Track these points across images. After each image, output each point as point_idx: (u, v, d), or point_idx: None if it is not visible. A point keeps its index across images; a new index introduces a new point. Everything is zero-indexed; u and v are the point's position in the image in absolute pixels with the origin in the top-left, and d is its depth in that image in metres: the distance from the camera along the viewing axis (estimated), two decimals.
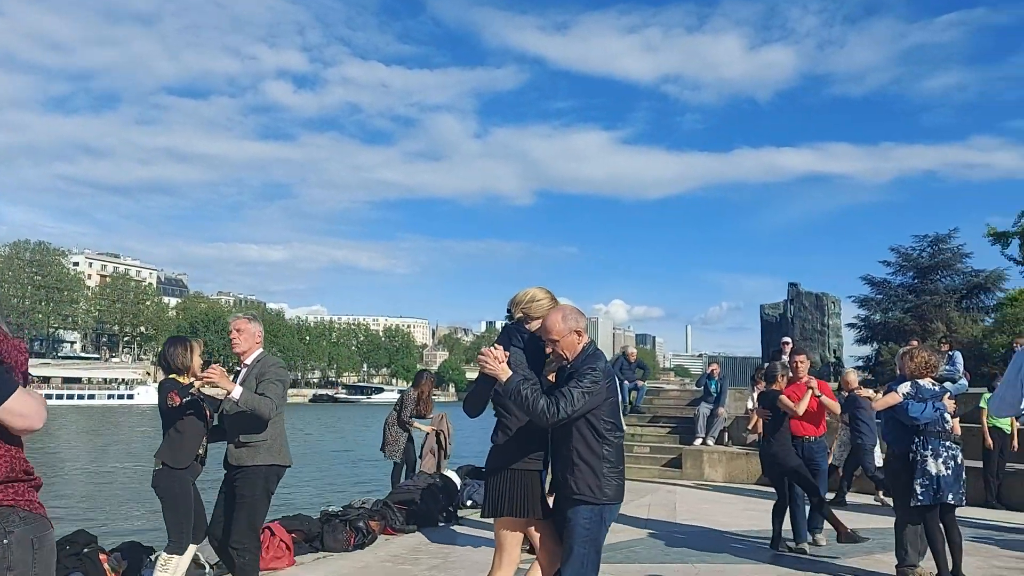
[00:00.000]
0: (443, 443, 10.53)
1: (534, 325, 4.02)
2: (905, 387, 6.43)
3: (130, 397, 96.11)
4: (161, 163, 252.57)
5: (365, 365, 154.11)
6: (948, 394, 6.62)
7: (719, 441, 14.56)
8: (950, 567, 6.14)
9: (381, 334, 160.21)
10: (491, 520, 4.01)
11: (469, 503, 10.14)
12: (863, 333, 37.56)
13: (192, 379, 5.21)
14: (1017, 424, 10.86)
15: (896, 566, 6.44)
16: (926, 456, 6.20)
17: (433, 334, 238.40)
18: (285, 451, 5.27)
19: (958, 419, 6.82)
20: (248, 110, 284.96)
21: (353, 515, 8.06)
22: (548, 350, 3.89)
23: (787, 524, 7.80)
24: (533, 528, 3.95)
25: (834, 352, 23.23)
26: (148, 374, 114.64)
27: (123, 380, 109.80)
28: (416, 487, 9.31)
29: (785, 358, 16.20)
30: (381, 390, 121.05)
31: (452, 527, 8.93)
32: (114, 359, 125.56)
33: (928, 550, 6.26)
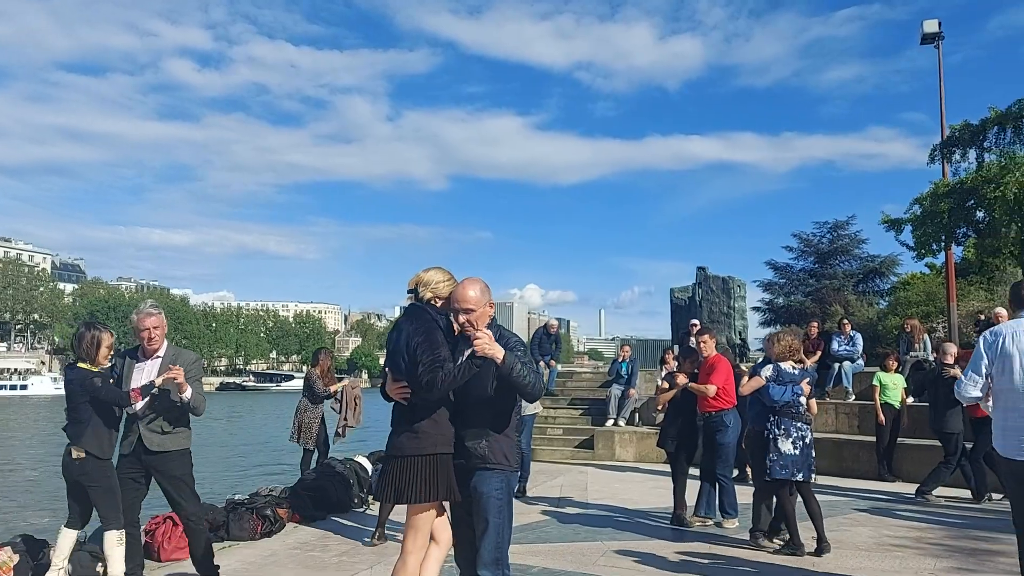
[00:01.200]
0: (355, 404, 10.38)
1: (445, 304, 3.99)
2: (768, 370, 6.89)
3: (23, 388, 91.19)
4: (56, 143, 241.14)
5: (275, 352, 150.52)
6: (807, 379, 7.07)
7: (630, 422, 14.83)
8: (815, 534, 6.68)
9: (291, 320, 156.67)
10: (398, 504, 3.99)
11: None
12: (767, 316, 38.91)
13: (159, 378, 5.23)
14: (908, 401, 11.42)
15: (749, 530, 7.08)
16: (779, 435, 6.66)
17: (345, 320, 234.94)
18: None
19: (815, 400, 7.31)
20: (148, 89, 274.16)
21: (260, 503, 7.88)
22: (462, 319, 3.82)
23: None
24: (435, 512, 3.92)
25: (739, 334, 23.96)
26: (43, 363, 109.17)
27: (15, 370, 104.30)
28: (326, 473, 9.14)
29: (693, 339, 16.74)
30: (291, 377, 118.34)
31: (363, 513, 8.81)
32: (5, 348, 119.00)
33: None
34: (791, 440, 6.65)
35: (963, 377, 4.70)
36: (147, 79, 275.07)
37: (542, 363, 16.26)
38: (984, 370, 4.56)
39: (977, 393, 4.60)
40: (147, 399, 5.21)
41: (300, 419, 10.48)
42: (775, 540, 6.96)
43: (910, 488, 9.92)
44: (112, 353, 5.42)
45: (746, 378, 7.21)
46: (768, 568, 6.29)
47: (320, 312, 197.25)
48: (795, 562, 6.43)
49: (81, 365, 5.24)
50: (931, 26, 26.10)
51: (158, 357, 5.38)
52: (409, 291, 4.09)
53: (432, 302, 4.01)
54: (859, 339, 14.29)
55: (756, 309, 39.21)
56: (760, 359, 7.45)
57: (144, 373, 5.32)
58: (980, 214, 25.30)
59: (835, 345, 13.87)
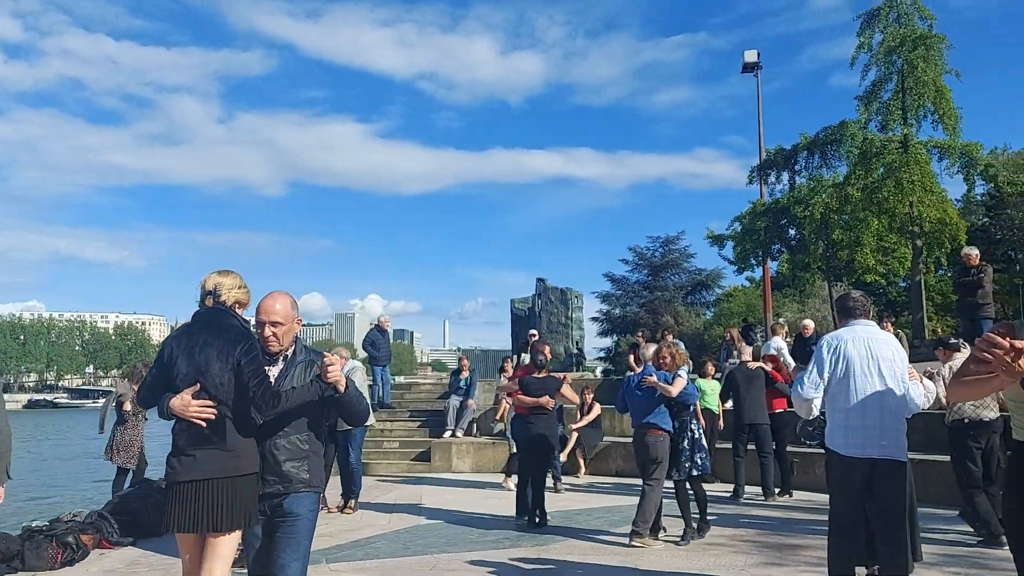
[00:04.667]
0: None
1: (245, 309, 3.83)
2: (684, 372, 7.55)
3: None
4: None
5: (91, 366, 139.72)
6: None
7: (468, 432, 14.80)
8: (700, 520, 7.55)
9: (111, 332, 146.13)
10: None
11: None
12: (604, 326, 40.35)
13: None
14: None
15: (633, 529, 7.33)
16: (695, 431, 7.58)
17: (172, 331, 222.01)
18: None
19: None
20: None
21: (61, 529, 7.20)
22: (268, 332, 3.67)
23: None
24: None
25: (577, 344, 24.61)
26: None
27: None
28: (139, 494, 8.50)
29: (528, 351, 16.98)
30: (110, 393, 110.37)
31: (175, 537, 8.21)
32: None
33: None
34: (700, 435, 7.63)
35: (803, 378, 4.94)
36: None
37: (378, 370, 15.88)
38: (826, 373, 4.82)
39: (817, 394, 4.85)
40: None
41: (120, 436, 9.78)
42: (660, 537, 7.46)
43: (726, 488, 10.46)
44: None
45: (680, 379, 7.55)
46: (592, 568, 6.39)
47: (144, 323, 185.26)
48: (618, 562, 6.58)
49: None
50: (751, 56, 28.15)
51: None
52: (207, 292, 3.77)
53: (234, 307, 3.77)
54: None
55: (594, 319, 40.61)
56: (642, 368, 7.82)
57: None
58: (792, 232, 27.50)
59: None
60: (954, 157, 22.65)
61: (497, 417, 13.82)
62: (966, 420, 7.13)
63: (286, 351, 3.78)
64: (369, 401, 3.87)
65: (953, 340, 7.94)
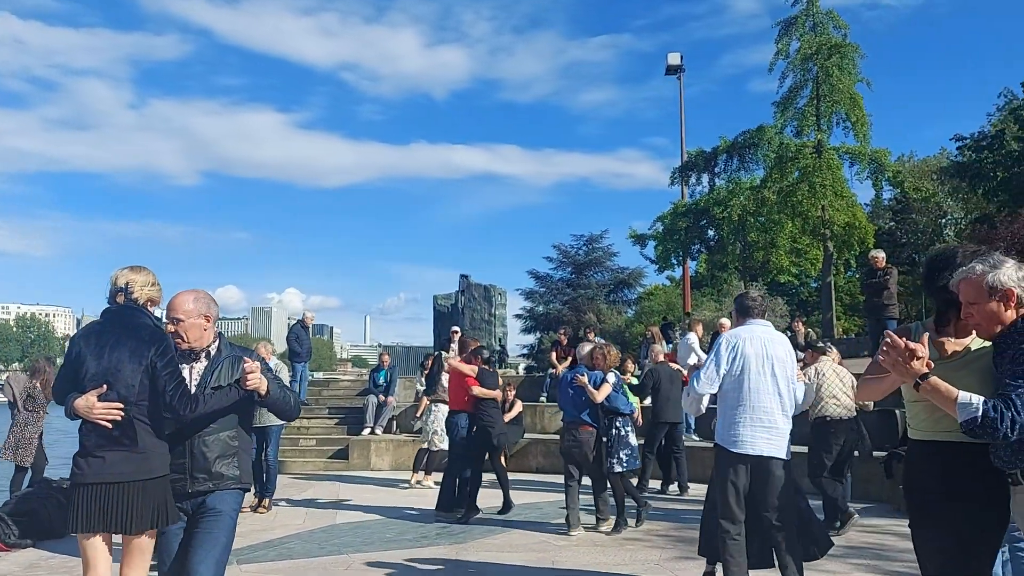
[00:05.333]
0: None
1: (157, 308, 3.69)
2: (612, 377, 7.82)
3: None
4: None
5: None
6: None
7: (387, 430, 14.64)
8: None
9: (12, 324, 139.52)
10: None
11: None
12: (528, 323, 40.49)
13: None
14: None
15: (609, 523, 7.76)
16: (629, 431, 7.90)
17: (78, 324, 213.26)
18: None
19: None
20: None
21: None
22: (171, 329, 3.58)
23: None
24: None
25: (500, 341, 24.68)
26: None
27: None
28: (39, 494, 8.08)
29: (454, 347, 16.88)
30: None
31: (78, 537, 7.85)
32: None
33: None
34: (633, 434, 7.97)
35: (700, 373, 5.03)
36: None
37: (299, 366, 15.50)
38: (723, 369, 4.90)
39: (712, 389, 4.94)
40: None
41: (16, 433, 9.33)
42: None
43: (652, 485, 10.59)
44: None
45: (607, 385, 7.78)
46: (509, 568, 6.38)
47: (48, 315, 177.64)
48: (535, 560, 6.59)
49: None
50: (674, 59, 28.65)
51: None
52: (119, 289, 3.62)
53: (146, 305, 3.62)
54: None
55: (518, 316, 40.68)
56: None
57: None
58: (711, 232, 28.21)
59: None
60: (864, 163, 23.63)
61: (418, 415, 13.68)
62: (828, 418, 7.59)
63: (208, 347, 3.69)
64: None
65: (820, 344, 8.55)
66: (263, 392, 3.59)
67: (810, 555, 5.08)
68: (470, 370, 8.73)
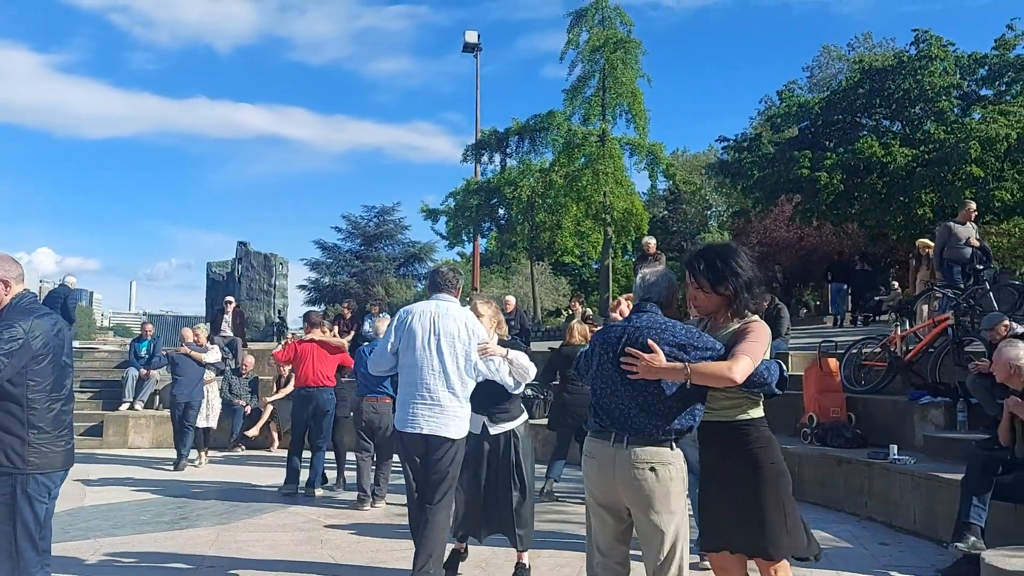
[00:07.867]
0: None
1: None
2: None
3: None
4: None
5: None
6: None
7: (149, 405, 13.54)
8: None
9: None
10: None
11: None
12: (313, 295, 39.29)
13: None
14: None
15: None
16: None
17: None
18: None
19: None
20: None
21: None
22: None
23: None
24: None
25: (279, 312, 23.59)
26: None
27: None
28: None
29: (228, 316, 15.93)
30: None
31: None
32: None
33: None
34: None
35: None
36: None
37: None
38: (390, 345, 4.80)
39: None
40: None
41: None
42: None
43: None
44: None
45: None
46: (293, 564, 6.05)
47: None
48: (303, 539, 6.31)
49: None
50: (472, 36, 28.73)
51: None
52: None
53: None
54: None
55: (302, 287, 39.43)
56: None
57: None
58: (502, 211, 28.75)
59: (367, 326, 14.32)
60: (642, 154, 25.12)
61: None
62: None
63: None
64: None
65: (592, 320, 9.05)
66: None
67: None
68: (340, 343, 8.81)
